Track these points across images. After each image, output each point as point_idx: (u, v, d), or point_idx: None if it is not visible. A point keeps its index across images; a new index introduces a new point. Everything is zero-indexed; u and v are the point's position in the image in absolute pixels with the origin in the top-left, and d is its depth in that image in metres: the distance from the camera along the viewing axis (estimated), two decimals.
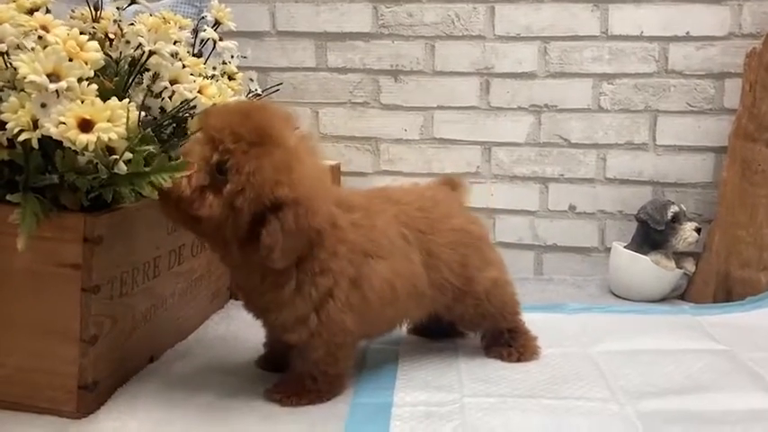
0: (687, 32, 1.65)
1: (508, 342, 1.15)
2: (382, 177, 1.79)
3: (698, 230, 1.56)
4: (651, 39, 1.66)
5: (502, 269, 1.15)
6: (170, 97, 1.03)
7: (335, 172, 1.64)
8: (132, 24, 1.06)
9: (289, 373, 1.01)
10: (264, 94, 1.41)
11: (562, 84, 1.71)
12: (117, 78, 0.96)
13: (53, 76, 0.81)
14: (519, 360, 1.13)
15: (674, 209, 1.56)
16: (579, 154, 1.73)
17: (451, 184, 1.18)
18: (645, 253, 1.57)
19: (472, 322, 1.15)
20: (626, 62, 1.68)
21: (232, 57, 1.22)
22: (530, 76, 1.71)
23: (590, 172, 1.73)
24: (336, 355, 0.97)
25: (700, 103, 1.67)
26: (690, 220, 1.59)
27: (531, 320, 1.19)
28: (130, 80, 0.98)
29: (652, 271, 1.55)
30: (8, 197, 0.84)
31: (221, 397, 0.99)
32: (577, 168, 1.73)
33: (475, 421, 0.91)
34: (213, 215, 0.86)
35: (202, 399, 0.98)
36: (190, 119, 1.05)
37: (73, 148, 0.79)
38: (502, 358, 1.14)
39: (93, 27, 1.10)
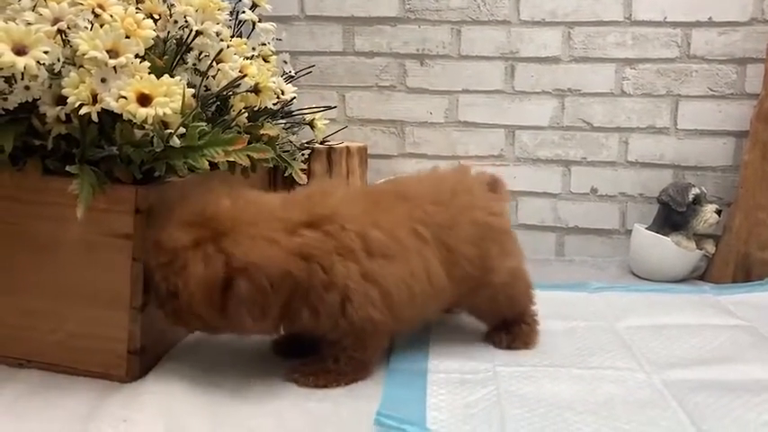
0: (710, 18, 1.67)
1: (507, 329, 1.12)
2: (407, 160, 1.82)
3: (719, 212, 1.59)
4: (674, 24, 1.68)
5: (521, 262, 1.12)
6: (213, 76, 1.07)
7: (363, 154, 1.67)
8: (173, 5, 1.10)
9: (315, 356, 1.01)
10: (297, 76, 1.44)
11: (585, 68, 1.73)
12: (166, 57, 0.99)
13: (112, 53, 0.85)
14: (508, 348, 1.10)
15: (695, 191, 1.59)
16: (602, 137, 1.75)
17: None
18: (666, 234, 1.60)
19: (487, 313, 1.13)
20: (649, 47, 1.70)
21: (272, 39, 1.25)
22: (554, 60, 1.74)
23: (612, 155, 1.76)
24: (366, 343, 0.97)
25: (721, 87, 1.69)
26: (710, 202, 1.62)
27: (555, 298, 1.23)
28: (177, 59, 1.02)
29: (673, 252, 1.58)
30: (67, 168, 0.87)
31: (262, 362, 1.03)
32: (599, 151, 1.76)
33: (508, 387, 0.95)
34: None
35: (244, 366, 1.02)
36: (233, 97, 1.09)
37: (133, 121, 0.83)
38: (494, 344, 1.11)
39: (138, 8, 1.13)
